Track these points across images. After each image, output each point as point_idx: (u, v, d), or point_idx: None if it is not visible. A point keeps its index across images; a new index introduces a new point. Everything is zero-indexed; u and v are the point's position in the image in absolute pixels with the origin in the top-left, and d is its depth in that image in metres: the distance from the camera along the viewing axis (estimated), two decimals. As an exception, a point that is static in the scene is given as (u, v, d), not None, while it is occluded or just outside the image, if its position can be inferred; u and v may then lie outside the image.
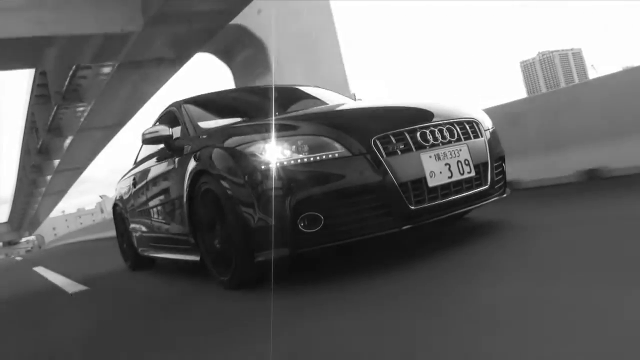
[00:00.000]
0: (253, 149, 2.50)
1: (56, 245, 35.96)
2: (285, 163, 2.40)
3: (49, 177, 33.21)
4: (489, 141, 2.87)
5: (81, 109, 18.55)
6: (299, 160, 2.39)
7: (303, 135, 2.48)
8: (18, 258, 14.66)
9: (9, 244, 59.81)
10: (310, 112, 3.41)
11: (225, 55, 17.66)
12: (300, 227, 2.35)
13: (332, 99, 4.05)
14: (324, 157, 2.39)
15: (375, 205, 2.39)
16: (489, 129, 2.98)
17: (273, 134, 2.49)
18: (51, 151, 25.55)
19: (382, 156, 2.40)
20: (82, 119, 19.59)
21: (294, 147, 2.43)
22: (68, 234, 41.04)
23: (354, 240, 2.40)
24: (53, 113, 18.16)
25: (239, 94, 4.33)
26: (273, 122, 2.62)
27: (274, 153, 2.43)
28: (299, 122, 2.70)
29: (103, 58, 13.57)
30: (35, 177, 34.17)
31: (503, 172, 3.06)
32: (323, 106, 3.71)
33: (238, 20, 13.33)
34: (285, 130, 2.55)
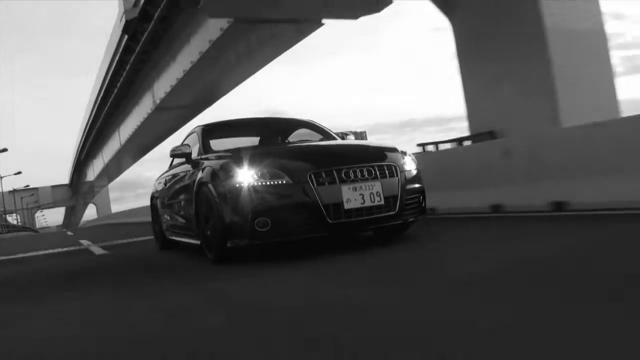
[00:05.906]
0: (233, 172, 3.58)
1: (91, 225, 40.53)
2: (251, 184, 3.47)
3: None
4: (404, 180, 3.71)
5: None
6: (259, 183, 3.47)
7: (265, 166, 3.53)
8: (69, 232, 21.90)
9: None
10: (275, 148, 4.43)
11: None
12: (256, 227, 3.42)
13: (316, 134, 5.07)
14: (275, 182, 3.46)
15: (305, 217, 3.42)
16: (405, 171, 3.77)
17: (247, 163, 3.56)
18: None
19: (313, 185, 3.41)
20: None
21: (259, 173, 3.50)
22: (105, 217, 43.60)
23: (290, 240, 3.49)
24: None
25: (249, 122, 5.48)
26: (248, 155, 3.67)
27: (246, 176, 3.51)
28: (264, 156, 3.69)
29: None
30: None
31: (418, 203, 3.89)
32: (288, 145, 4.74)
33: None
34: (255, 159, 3.59)
